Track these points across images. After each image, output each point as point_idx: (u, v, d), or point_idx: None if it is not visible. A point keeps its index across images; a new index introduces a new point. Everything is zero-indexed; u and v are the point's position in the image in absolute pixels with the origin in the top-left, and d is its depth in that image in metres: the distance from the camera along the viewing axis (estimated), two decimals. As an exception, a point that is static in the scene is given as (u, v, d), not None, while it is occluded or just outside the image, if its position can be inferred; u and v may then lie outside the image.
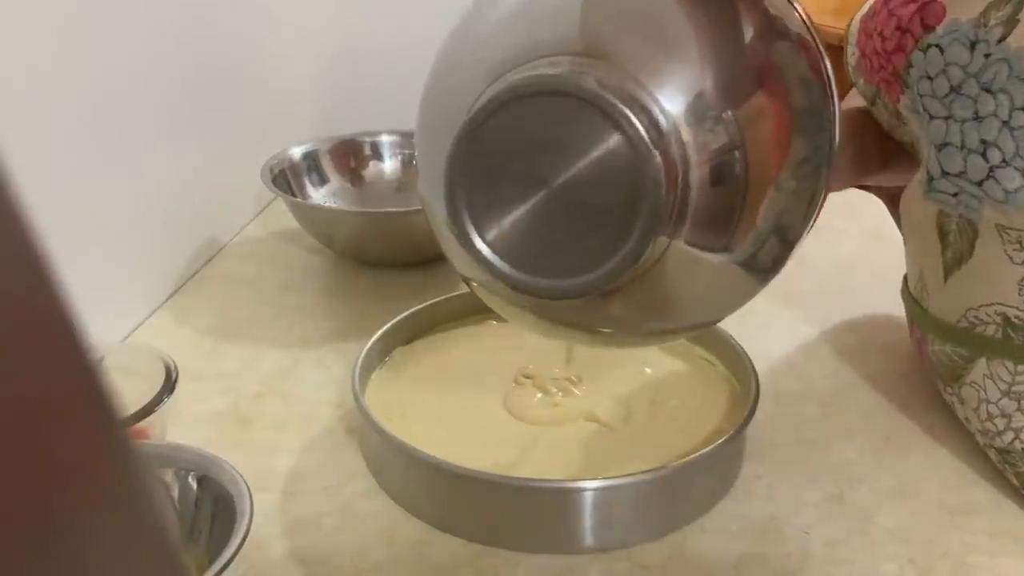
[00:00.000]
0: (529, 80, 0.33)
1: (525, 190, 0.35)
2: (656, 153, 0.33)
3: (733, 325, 0.61)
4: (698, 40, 0.38)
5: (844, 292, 0.75)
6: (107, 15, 0.65)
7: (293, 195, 0.81)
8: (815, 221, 0.42)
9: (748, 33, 0.40)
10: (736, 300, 0.43)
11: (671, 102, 0.36)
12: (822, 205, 0.42)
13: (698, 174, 0.36)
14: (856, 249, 0.82)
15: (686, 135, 0.36)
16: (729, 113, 0.37)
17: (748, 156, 0.37)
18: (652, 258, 0.36)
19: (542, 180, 0.35)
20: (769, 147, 0.39)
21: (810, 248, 0.85)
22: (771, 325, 0.70)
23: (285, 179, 0.82)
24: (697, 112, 0.36)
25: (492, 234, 0.36)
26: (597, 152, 0.33)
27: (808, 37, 0.41)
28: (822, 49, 0.41)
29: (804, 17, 0.41)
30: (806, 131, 0.40)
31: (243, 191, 0.88)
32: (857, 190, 0.97)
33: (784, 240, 0.41)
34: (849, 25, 0.55)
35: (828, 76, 0.41)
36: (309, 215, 0.78)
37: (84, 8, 0.63)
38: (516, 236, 0.35)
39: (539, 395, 0.57)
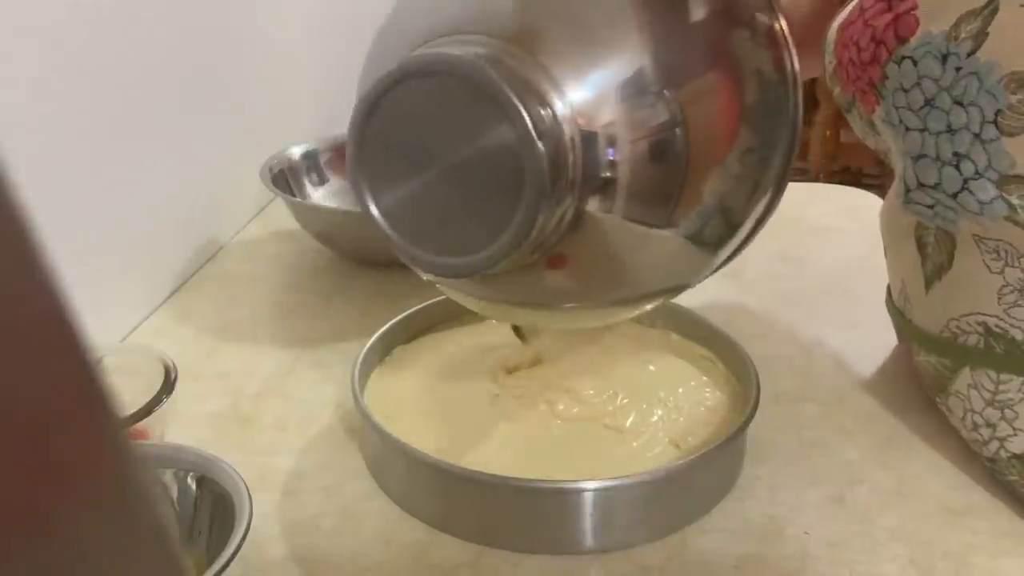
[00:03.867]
0: (423, 59, 0.34)
1: (419, 167, 0.36)
2: (538, 140, 0.33)
3: (733, 325, 0.61)
4: (643, 18, 0.37)
5: (844, 292, 0.75)
6: (106, 15, 0.65)
7: (293, 195, 0.81)
8: (773, 207, 0.42)
9: (703, 16, 0.39)
10: (688, 271, 0.43)
11: (589, 80, 0.35)
12: (780, 192, 0.42)
13: (633, 150, 0.36)
14: (856, 249, 0.82)
15: (616, 112, 0.35)
16: (670, 92, 0.37)
17: (690, 135, 0.37)
18: (546, 238, 0.36)
19: (434, 158, 0.35)
20: (713, 130, 0.38)
21: (810, 248, 0.86)
22: (772, 325, 0.70)
23: (285, 179, 0.82)
24: (634, 88, 0.36)
25: (387, 204, 0.36)
26: (485, 135, 0.34)
27: (777, 33, 0.41)
28: (791, 47, 0.41)
29: (777, 15, 0.41)
30: (754, 122, 0.40)
31: (243, 191, 0.88)
32: (858, 190, 0.97)
33: (728, 221, 0.40)
34: (827, 33, 0.55)
35: (792, 74, 0.41)
36: (309, 215, 0.78)
37: (84, 8, 0.63)
38: (411, 211, 0.36)
39: (538, 395, 0.57)
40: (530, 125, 0.33)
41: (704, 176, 0.38)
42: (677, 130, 0.37)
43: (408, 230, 0.36)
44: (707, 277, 0.43)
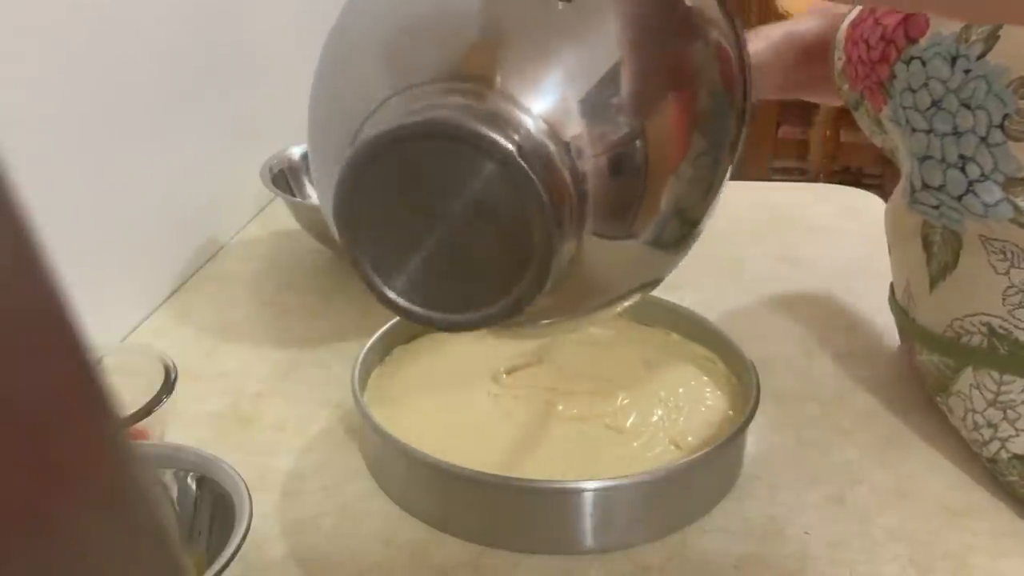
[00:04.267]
0: (387, 132, 0.32)
1: (421, 231, 0.34)
2: (528, 169, 0.32)
3: (733, 325, 0.61)
4: (599, 34, 0.37)
5: (844, 292, 0.75)
6: (106, 15, 0.65)
7: (293, 195, 0.81)
8: (718, 200, 0.42)
9: (661, 32, 0.39)
10: (657, 270, 0.43)
11: (550, 99, 0.34)
12: (724, 182, 0.42)
13: (595, 164, 0.35)
14: (856, 249, 0.82)
15: (578, 128, 0.35)
16: (629, 105, 0.36)
17: (648, 146, 0.36)
18: (564, 263, 0.35)
19: (434, 219, 0.34)
20: (669, 138, 0.38)
21: (810, 248, 0.86)
22: (772, 325, 0.70)
23: (284, 179, 0.82)
24: (594, 104, 0.35)
25: (400, 282, 0.35)
26: (477, 181, 0.33)
27: (727, 46, 0.41)
28: (746, 56, 0.41)
29: (733, 25, 0.41)
30: (707, 130, 0.40)
31: (243, 191, 0.88)
32: (858, 190, 0.97)
33: (686, 220, 0.40)
34: (838, 30, 0.55)
35: (743, 84, 0.41)
36: (309, 215, 0.78)
37: (84, 8, 0.63)
38: (425, 277, 0.35)
39: (538, 395, 0.57)
40: (511, 148, 0.31)
41: (662, 184, 0.38)
42: (638, 142, 0.36)
43: (425, 297, 0.35)
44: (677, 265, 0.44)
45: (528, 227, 0.33)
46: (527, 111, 0.34)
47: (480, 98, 0.34)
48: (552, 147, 0.33)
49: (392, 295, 0.35)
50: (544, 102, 0.34)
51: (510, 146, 0.32)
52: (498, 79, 0.34)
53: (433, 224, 0.34)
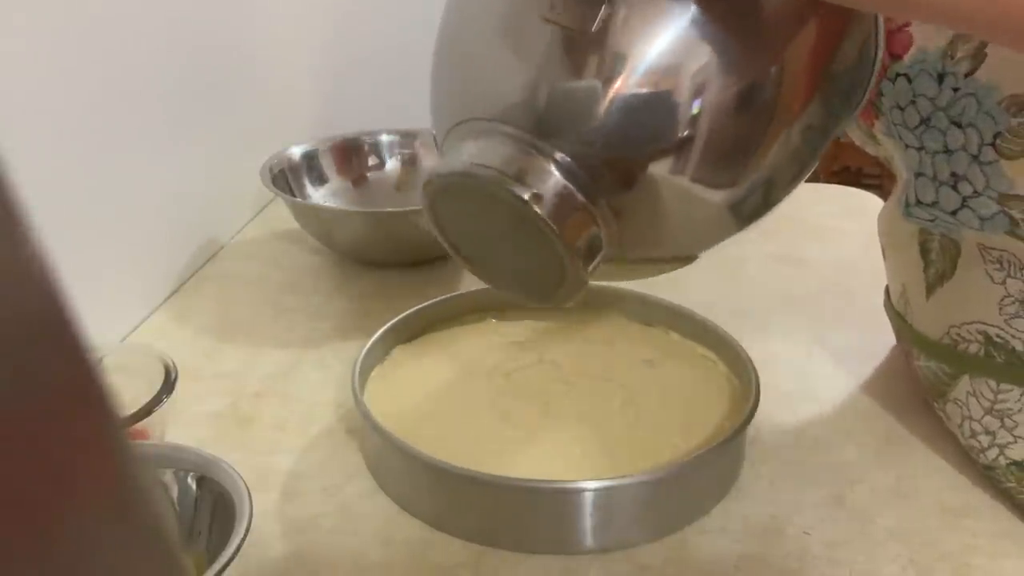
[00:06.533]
0: (440, 175, 0.40)
1: (487, 239, 0.43)
2: (543, 215, 0.37)
3: (733, 325, 0.61)
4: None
5: (844, 292, 0.75)
6: (107, 16, 0.65)
7: (293, 195, 0.81)
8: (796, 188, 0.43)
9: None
10: (713, 239, 0.43)
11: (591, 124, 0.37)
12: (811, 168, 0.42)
13: (720, 99, 0.37)
14: (856, 249, 0.82)
15: (706, 56, 0.36)
16: (766, 40, 0.37)
17: (782, 83, 0.38)
18: (599, 265, 0.40)
19: (493, 232, 0.41)
20: (796, 88, 0.39)
21: (810, 248, 0.86)
22: (772, 325, 0.70)
23: (285, 179, 0.82)
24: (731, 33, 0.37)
25: (483, 269, 0.44)
26: (514, 217, 0.38)
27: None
28: (881, 35, 0.41)
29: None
30: (829, 98, 0.40)
31: (243, 191, 0.88)
32: (858, 190, 0.97)
33: (767, 196, 0.41)
34: None
35: (875, 61, 0.41)
36: (309, 215, 0.78)
37: (84, 9, 0.63)
38: (497, 269, 0.44)
39: (538, 395, 0.57)
40: (526, 198, 0.37)
41: (776, 137, 0.39)
42: (773, 69, 0.37)
43: (504, 282, 0.44)
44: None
45: (556, 253, 0.38)
46: (555, 154, 0.37)
47: (520, 146, 0.38)
48: (574, 187, 0.37)
49: (478, 276, 0.44)
50: (583, 130, 0.37)
51: (525, 196, 0.37)
52: (540, 122, 0.38)
53: (493, 236, 0.42)
